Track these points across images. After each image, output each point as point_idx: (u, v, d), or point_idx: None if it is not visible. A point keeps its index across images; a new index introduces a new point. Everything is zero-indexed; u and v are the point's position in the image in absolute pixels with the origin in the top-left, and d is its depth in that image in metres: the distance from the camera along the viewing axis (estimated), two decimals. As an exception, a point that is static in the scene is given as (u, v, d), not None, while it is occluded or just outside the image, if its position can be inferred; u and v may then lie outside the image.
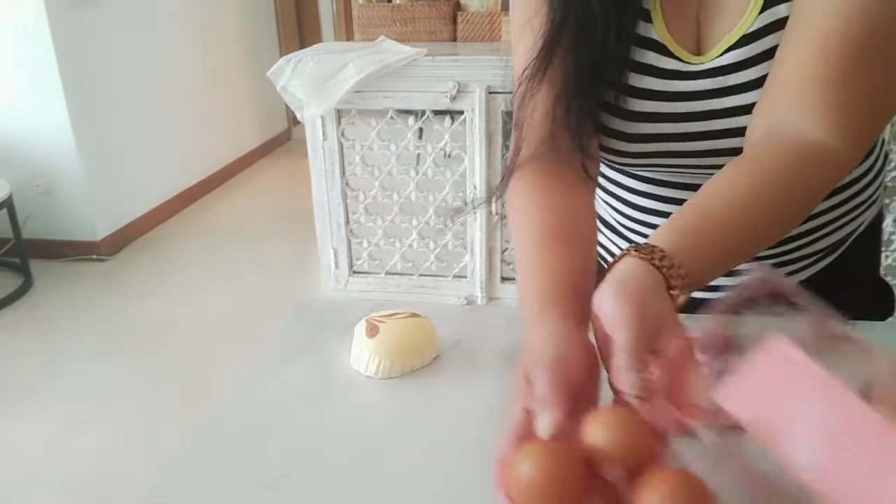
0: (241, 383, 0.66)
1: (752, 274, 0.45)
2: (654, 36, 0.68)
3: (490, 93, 2.17)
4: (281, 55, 2.48)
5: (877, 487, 0.35)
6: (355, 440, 0.57)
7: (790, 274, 0.78)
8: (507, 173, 0.70)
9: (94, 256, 3.10)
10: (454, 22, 2.53)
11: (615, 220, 0.84)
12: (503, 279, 2.46)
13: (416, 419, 0.60)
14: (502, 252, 2.42)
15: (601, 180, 0.84)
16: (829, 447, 0.38)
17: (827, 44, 0.57)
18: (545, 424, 0.43)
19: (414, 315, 0.70)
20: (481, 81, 2.16)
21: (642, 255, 0.50)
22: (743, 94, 0.66)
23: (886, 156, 0.81)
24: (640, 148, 0.70)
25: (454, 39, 2.55)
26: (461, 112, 2.24)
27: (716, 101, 0.67)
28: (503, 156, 2.27)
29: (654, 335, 0.46)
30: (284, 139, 5.32)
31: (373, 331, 0.66)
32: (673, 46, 0.68)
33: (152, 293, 2.80)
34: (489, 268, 2.44)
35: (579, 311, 0.53)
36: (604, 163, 0.80)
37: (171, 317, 2.60)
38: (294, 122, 5.28)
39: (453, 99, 2.20)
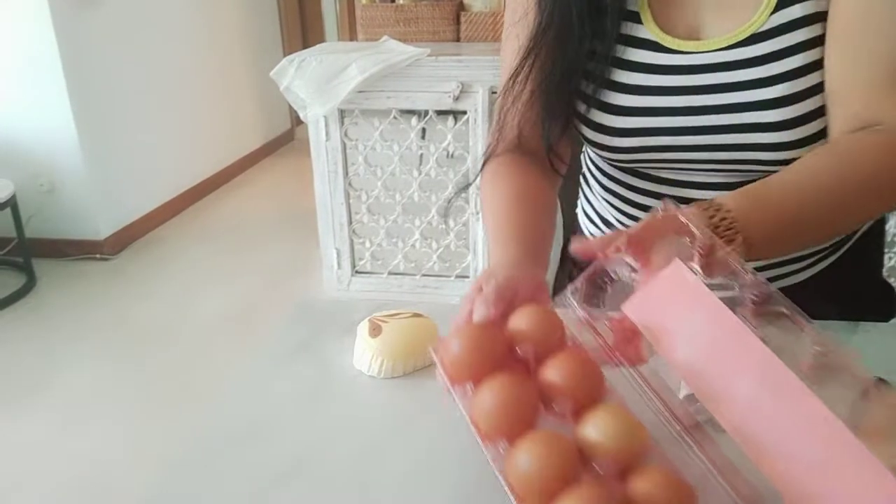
0: (243, 383, 0.66)
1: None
2: (646, 35, 0.69)
3: (493, 93, 2.17)
4: (284, 55, 2.48)
5: (734, 384, 0.44)
6: (357, 440, 0.57)
7: (791, 273, 0.78)
8: (483, 163, 0.77)
9: (97, 256, 3.10)
10: (457, 22, 2.53)
11: (615, 217, 0.84)
12: (506, 279, 2.45)
13: (419, 419, 0.60)
14: (505, 252, 2.41)
15: (602, 178, 0.84)
16: (702, 349, 0.46)
17: (887, 43, 0.61)
18: (479, 313, 0.51)
19: (416, 315, 0.70)
20: (484, 81, 2.16)
21: (703, 209, 0.54)
22: (746, 92, 0.66)
23: None
24: (637, 142, 0.72)
25: (457, 39, 2.54)
26: (464, 112, 2.24)
27: (716, 96, 0.67)
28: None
29: (661, 251, 0.51)
30: (287, 139, 5.32)
31: (375, 331, 0.66)
32: (665, 40, 0.69)
33: (155, 292, 2.80)
34: (492, 268, 2.43)
35: (539, 256, 0.65)
36: (605, 161, 0.80)
37: (174, 316, 2.60)
38: (297, 121, 5.28)
39: (456, 99, 2.20)
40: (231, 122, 4.41)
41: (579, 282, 0.55)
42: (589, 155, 0.89)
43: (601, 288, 0.55)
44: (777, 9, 0.64)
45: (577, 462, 0.43)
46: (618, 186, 0.82)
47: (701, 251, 0.49)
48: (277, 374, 0.67)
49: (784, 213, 0.58)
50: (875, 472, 0.38)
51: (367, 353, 0.66)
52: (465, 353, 0.49)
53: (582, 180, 0.95)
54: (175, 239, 3.39)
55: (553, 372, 0.48)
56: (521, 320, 0.51)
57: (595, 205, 0.89)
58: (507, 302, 0.52)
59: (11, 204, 2.70)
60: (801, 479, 0.40)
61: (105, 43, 3.09)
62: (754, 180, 0.62)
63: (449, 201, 2.34)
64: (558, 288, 1.19)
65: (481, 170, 0.77)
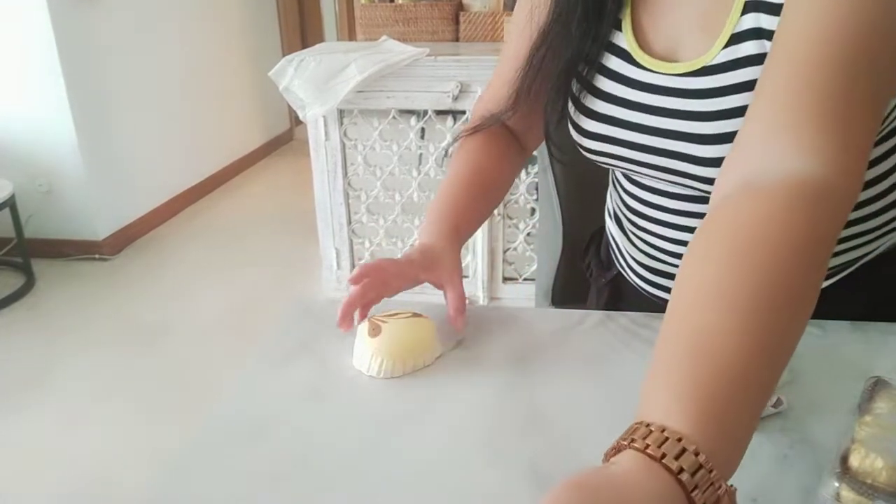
0: (241, 383, 0.66)
1: None
2: (622, 44, 0.70)
3: (492, 93, 2.17)
4: (283, 55, 2.48)
5: None
6: (356, 440, 0.57)
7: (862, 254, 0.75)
8: (458, 134, 0.86)
9: (96, 256, 3.10)
10: (456, 22, 2.53)
11: (624, 215, 0.85)
12: (505, 279, 2.46)
13: (418, 419, 0.60)
14: (504, 252, 2.42)
15: (618, 175, 0.85)
16: None
17: (805, 69, 0.50)
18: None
19: (416, 315, 0.69)
20: (483, 81, 2.15)
21: (655, 455, 0.35)
22: (683, 122, 0.66)
23: None
24: (600, 147, 0.74)
25: (456, 39, 2.55)
26: (463, 112, 2.24)
27: (664, 120, 0.68)
28: (505, 156, 2.27)
29: None
30: (286, 139, 5.32)
31: (375, 330, 0.66)
32: (636, 53, 0.69)
33: (154, 293, 2.80)
34: (491, 268, 2.44)
35: (461, 237, 0.78)
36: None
37: (173, 316, 2.60)
38: (296, 121, 5.28)
39: (455, 99, 2.20)
40: (230, 123, 4.41)
41: None
42: None
43: None
44: (729, 44, 0.62)
45: None
46: (627, 186, 0.83)
47: None
48: (276, 374, 0.67)
49: (743, 414, 0.39)
50: None
51: (366, 353, 0.66)
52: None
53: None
54: (174, 239, 3.39)
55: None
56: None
57: (608, 199, 0.92)
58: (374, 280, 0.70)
59: (10, 204, 2.69)
60: None
61: (104, 43, 3.09)
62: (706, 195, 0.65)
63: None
64: (558, 288, 1.19)
65: (458, 138, 0.86)
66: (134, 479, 1.74)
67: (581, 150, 0.78)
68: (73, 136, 2.92)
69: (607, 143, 0.73)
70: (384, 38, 2.43)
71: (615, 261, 0.92)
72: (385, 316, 0.69)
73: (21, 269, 2.85)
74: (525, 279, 2.44)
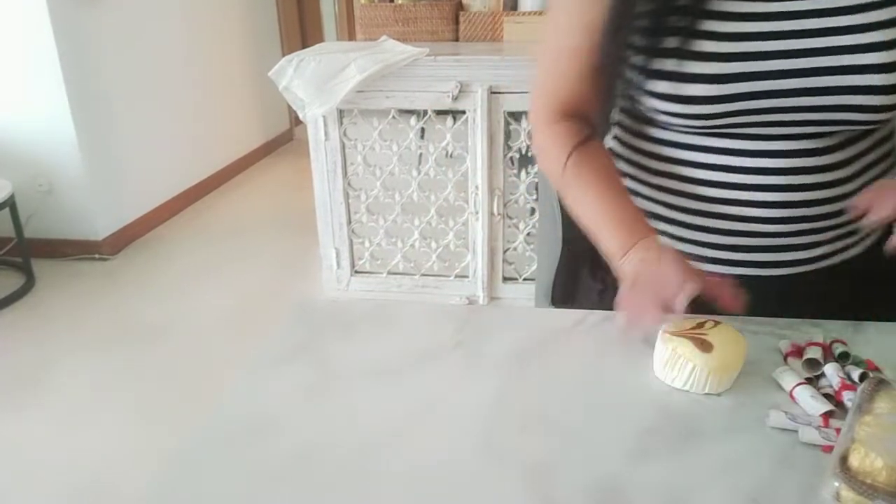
0: (241, 383, 0.66)
1: None
2: None
3: (492, 92, 2.17)
4: (283, 55, 2.48)
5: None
6: (356, 440, 0.57)
7: (846, 248, 0.78)
8: (571, 149, 0.79)
9: (96, 256, 3.10)
10: (456, 22, 2.53)
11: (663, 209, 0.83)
12: (505, 279, 2.46)
13: (418, 419, 0.60)
14: (504, 252, 2.42)
15: (657, 164, 0.82)
16: None
17: None
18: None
19: (716, 323, 0.67)
20: (483, 81, 2.16)
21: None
22: (844, 36, 0.66)
23: None
24: (732, 89, 0.69)
25: (456, 39, 2.54)
26: (463, 112, 2.24)
27: (815, 40, 0.66)
28: (505, 155, 2.27)
29: None
30: (286, 139, 5.32)
31: (705, 346, 0.63)
32: None
33: (154, 293, 2.80)
34: (491, 268, 2.44)
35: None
36: (679, 131, 0.77)
37: (173, 316, 2.60)
38: (296, 121, 5.28)
39: (455, 99, 2.20)
40: (230, 123, 4.41)
41: None
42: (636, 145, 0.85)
43: None
44: None
45: None
46: (678, 167, 0.78)
47: None
48: (276, 374, 0.67)
49: None
50: None
51: (697, 370, 0.62)
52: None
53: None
54: (174, 239, 3.39)
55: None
56: None
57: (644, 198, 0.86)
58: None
59: (10, 204, 2.69)
60: None
61: (103, 43, 3.09)
62: (839, 142, 0.67)
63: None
64: (558, 288, 1.19)
65: (536, 129, 0.83)
66: (134, 479, 1.74)
67: (695, 105, 0.71)
68: (73, 136, 2.92)
69: (742, 81, 0.68)
70: (384, 37, 2.42)
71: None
72: (677, 330, 0.65)
73: (21, 269, 2.85)
74: (525, 279, 2.44)
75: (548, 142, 0.81)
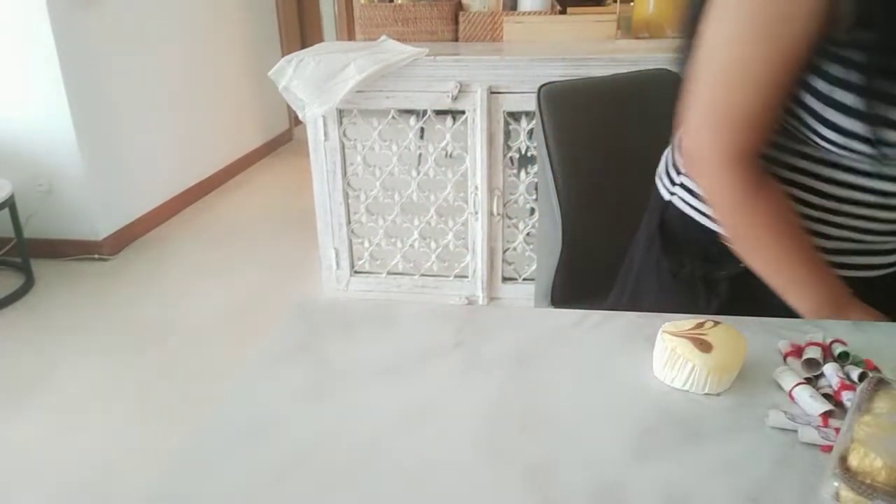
0: (241, 383, 0.66)
1: None
2: None
3: (492, 93, 2.17)
4: (282, 55, 2.48)
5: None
6: (356, 440, 0.57)
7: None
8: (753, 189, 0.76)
9: (96, 256, 3.10)
10: (456, 22, 2.53)
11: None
12: (504, 279, 2.46)
13: (418, 419, 0.60)
14: (503, 252, 2.42)
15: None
16: None
17: None
18: None
19: (715, 324, 0.67)
20: (483, 81, 2.16)
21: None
22: None
23: None
24: None
25: (456, 39, 2.54)
26: (463, 112, 2.24)
27: None
28: (504, 155, 2.27)
29: None
30: (286, 139, 5.32)
31: (705, 346, 0.63)
32: None
33: (153, 293, 2.80)
34: (490, 268, 2.44)
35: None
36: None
37: (173, 316, 2.60)
38: (295, 121, 5.28)
39: (455, 99, 2.20)
40: (229, 123, 4.41)
41: None
42: None
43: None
44: None
45: None
46: (805, 177, 0.78)
47: None
48: (276, 374, 0.67)
49: None
50: None
51: (696, 370, 0.63)
52: None
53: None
54: (173, 239, 3.39)
55: None
56: None
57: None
58: None
59: (10, 204, 2.69)
60: None
61: (103, 43, 3.09)
62: None
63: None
64: (558, 288, 1.19)
65: (734, 169, 0.75)
66: (133, 479, 1.74)
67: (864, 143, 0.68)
68: (73, 136, 2.92)
69: None
70: (383, 37, 2.42)
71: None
72: (677, 330, 0.66)
73: (21, 269, 2.85)
74: (525, 279, 2.44)
75: (761, 205, 0.77)
